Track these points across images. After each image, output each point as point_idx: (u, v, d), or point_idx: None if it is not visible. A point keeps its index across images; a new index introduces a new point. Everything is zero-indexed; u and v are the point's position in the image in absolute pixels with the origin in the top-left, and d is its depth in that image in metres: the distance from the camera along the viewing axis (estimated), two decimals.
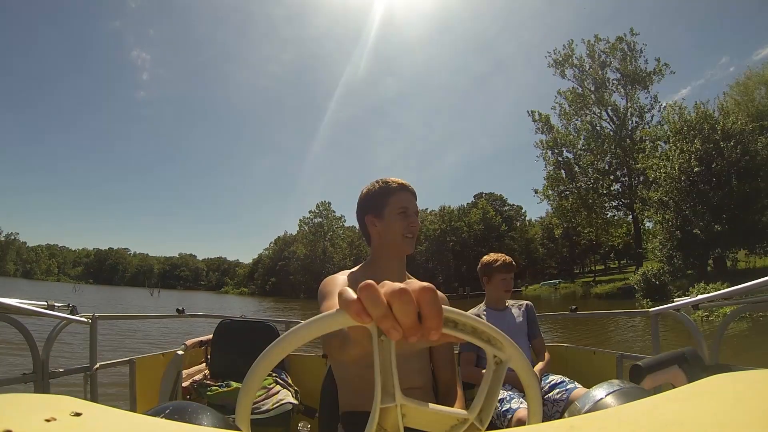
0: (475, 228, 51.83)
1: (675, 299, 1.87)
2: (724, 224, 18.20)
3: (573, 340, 10.28)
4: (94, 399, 1.90)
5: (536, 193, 34.96)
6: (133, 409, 1.95)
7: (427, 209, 58.84)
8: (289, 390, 2.09)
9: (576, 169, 32.47)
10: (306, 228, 71.17)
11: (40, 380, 1.71)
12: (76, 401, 0.41)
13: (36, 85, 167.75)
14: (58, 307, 1.80)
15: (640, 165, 24.55)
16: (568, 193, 33.12)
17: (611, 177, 31.92)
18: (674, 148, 20.32)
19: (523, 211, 58.05)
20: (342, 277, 1.20)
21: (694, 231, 18.97)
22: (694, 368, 0.95)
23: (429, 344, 0.46)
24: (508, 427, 1.55)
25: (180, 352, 2.05)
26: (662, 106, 28.87)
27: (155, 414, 0.47)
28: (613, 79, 31.56)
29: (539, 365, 1.97)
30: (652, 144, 24.85)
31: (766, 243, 19.14)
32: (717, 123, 19.05)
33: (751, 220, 18.14)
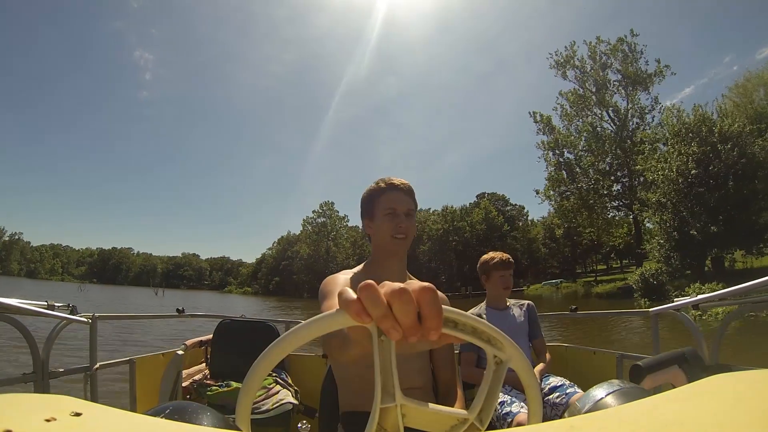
0: (478, 228, 51.98)
1: (675, 299, 1.87)
2: (720, 225, 18.39)
3: (574, 339, 10.29)
4: (94, 399, 1.90)
5: (537, 193, 35.12)
6: (133, 409, 1.95)
7: (429, 209, 59.27)
8: (289, 390, 2.09)
9: (577, 169, 32.51)
10: (309, 228, 71.54)
11: (40, 380, 1.71)
12: (76, 401, 0.41)
13: (38, 85, 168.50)
14: (58, 307, 1.80)
15: (639, 167, 24.75)
16: (569, 193, 33.18)
17: (612, 178, 31.99)
18: (672, 150, 20.51)
19: (525, 210, 58.39)
20: (343, 276, 1.19)
21: (691, 232, 19.16)
22: (694, 368, 0.95)
23: (430, 346, 0.45)
24: None
25: (180, 352, 2.05)
26: (662, 107, 29.05)
27: (155, 414, 0.47)
28: (614, 81, 31.67)
29: (540, 366, 1.96)
30: (650, 146, 24.92)
31: (763, 244, 19.31)
32: (714, 125, 19.19)
33: (748, 221, 18.29)
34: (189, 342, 2.33)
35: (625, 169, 30.83)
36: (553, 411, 1.75)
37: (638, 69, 30.68)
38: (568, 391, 1.79)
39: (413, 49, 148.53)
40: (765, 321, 9.85)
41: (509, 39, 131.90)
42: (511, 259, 2.13)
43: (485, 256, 2.17)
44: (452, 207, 56.31)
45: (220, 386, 2.10)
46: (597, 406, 0.59)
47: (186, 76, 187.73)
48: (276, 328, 2.41)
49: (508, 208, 57.80)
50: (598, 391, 0.62)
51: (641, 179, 27.44)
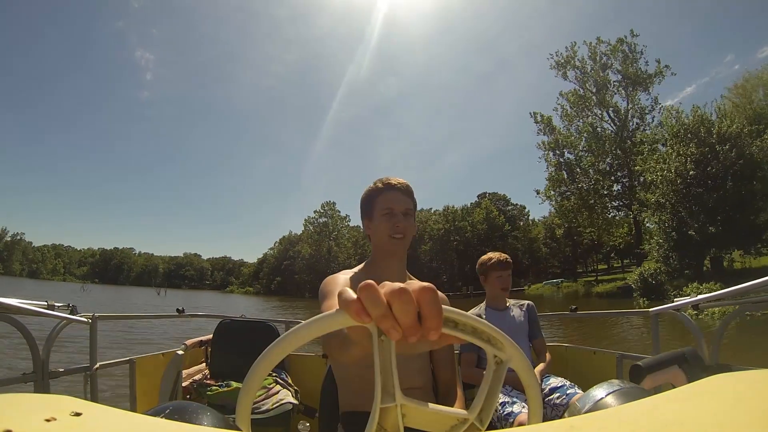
0: (479, 228, 52.15)
1: (675, 299, 1.87)
2: (718, 226, 18.53)
3: (574, 338, 10.30)
4: (94, 399, 1.90)
5: (538, 193, 35.21)
6: (133, 409, 1.95)
7: (431, 209, 59.51)
8: (289, 390, 2.09)
9: (577, 170, 32.56)
10: (311, 228, 71.80)
11: (40, 380, 1.71)
12: (76, 401, 0.41)
13: (39, 84, 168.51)
14: (58, 307, 1.80)
15: (638, 168, 24.85)
16: (569, 193, 33.25)
17: (612, 178, 32.04)
18: (671, 151, 20.65)
19: (526, 210, 58.64)
20: (343, 276, 1.19)
21: (689, 232, 19.31)
22: (694, 368, 0.95)
23: (430, 346, 0.45)
24: None
25: (180, 352, 2.05)
26: (662, 108, 29.16)
27: (155, 414, 0.47)
28: (614, 81, 31.71)
29: (540, 366, 1.96)
30: (649, 147, 25.03)
31: (761, 244, 19.46)
32: (713, 126, 19.31)
33: (746, 221, 18.42)
34: (189, 342, 2.33)
35: (625, 169, 30.87)
36: (553, 412, 1.75)
37: (638, 69, 30.73)
38: (568, 392, 1.79)
39: (414, 49, 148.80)
40: (759, 320, 9.86)
41: (510, 39, 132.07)
42: (508, 260, 2.13)
43: (483, 257, 2.18)
44: (453, 207, 56.49)
45: (220, 386, 2.10)
46: (597, 406, 0.59)
47: (187, 76, 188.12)
48: (276, 328, 2.41)
49: (509, 207, 57.98)
50: (598, 391, 0.62)
51: (641, 179, 27.54)
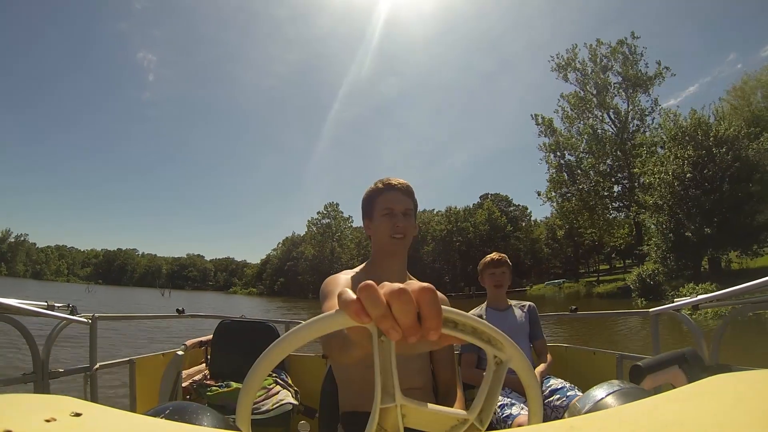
0: (481, 228, 52.39)
1: (675, 299, 1.87)
2: (714, 227, 18.81)
3: (574, 336, 10.31)
4: (94, 399, 1.90)
5: (539, 195, 35.30)
6: (133, 410, 1.95)
7: (433, 210, 59.97)
8: (289, 390, 2.09)
9: (578, 171, 32.63)
10: (314, 229, 72.24)
11: (40, 380, 1.71)
12: (76, 401, 0.41)
13: (42, 85, 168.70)
14: (58, 307, 1.79)
15: (636, 170, 25.05)
16: (570, 195, 33.31)
17: (612, 179, 32.10)
18: (669, 154, 20.95)
19: (528, 211, 58.89)
20: (344, 277, 1.20)
21: (686, 234, 19.62)
22: (694, 368, 0.95)
23: (430, 346, 0.45)
24: None
25: (180, 353, 2.05)
26: (662, 110, 29.30)
27: (155, 414, 0.47)
28: (615, 83, 31.82)
29: (540, 367, 1.97)
30: (648, 150, 25.17)
31: (757, 245, 19.66)
32: (710, 129, 19.53)
33: (742, 223, 18.65)
34: (189, 342, 2.33)
35: (625, 170, 30.93)
36: (553, 413, 1.75)
37: (638, 71, 30.84)
38: (569, 394, 1.78)
39: (415, 48, 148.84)
40: (751, 320, 9.88)
41: (512, 38, 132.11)
42: (501, 258, 2.16)
43: (482, 259, 2.22)
44: (456, 208, 56.75)
45: (220, 386, 2.10)
46: (597, 406, 0.59)
47: (189, 76, 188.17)
48: (276, 329, 2.41)
49: (511, 208, 58.27)
50: (598, 392, 0.62)
51: (640, 181, 27.65)
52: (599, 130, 32.23)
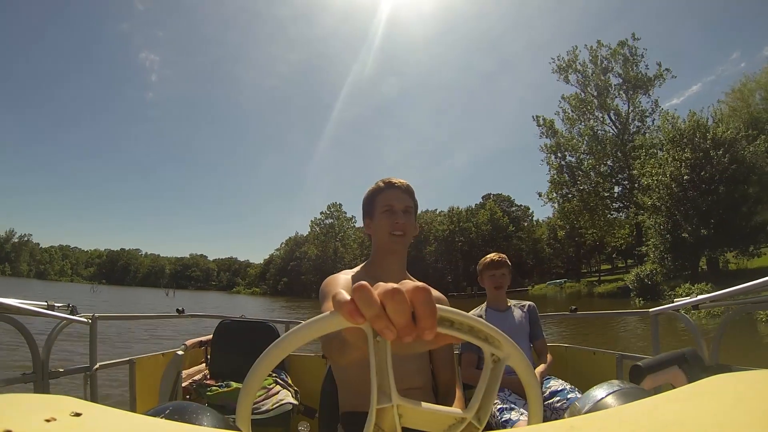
0: (483, 229, 52.62)
1: (675, 299, 1.87)
2: (711, 228, 19.08)
3: (574, 335, 10.33)
4: (94, 399, 1.90)
5: (540, 196, 35.40)
6: (132, 410, 1.95)
7: (436, 210, 60.48)
8: (289, 390, 2.09)
9: (578, 172, 32.70)
10: (317, 229, 72.66)
11: (40, 380, 1.71)
12: (76, 401, 0.40)
13: (46, 86, 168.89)
14: (58, 307, 1.79)
15: (635, 172, 25.27)
16: (571, 196, 33.40)
17: (612, 180, 32.17)
18: (667, 156, 21.21)
19: (530, 211, 59.12)
20: (344, 276, 1.20)
21: (683, 235, 19.92)
22: (694, 368, 0.95)
23: (428, 346, 0.45)
24: None
25: (180, 353, 2.05)
26: (661, 111, 29.49)
27: (155, 414, 0.47)
28: (615, 84, 31.92)
29: (540, 367, 1.96)
30: (646, 152, 25.30)
31: (753, 246, 19.95)
32: (708, 131, 19.75)
33: (739, 224, 18.91)
34: (189, 342, 2.33)
35: (625, 171, 30.99)
36: (553, 415, 1.75)
37: (639, 73, 30.90)
38: (569, 397, 1.78)
39: (417, 48, 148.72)
40: (743, 320, 9.92)
41: (513, 38, 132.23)
42: (501, 259, 2.15)
43: (481, 259, 2.21)
44: (458, 208, 57.04)
45: (220, 386, 2.10)
46: (597, 406, 0.59)
47: (191, 77, 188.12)
48: (276, 329, 2.41)
49: (513, 208, 58.53)
50: (598, 392, 0.62)
51: (639, 182, 27.76)
52: (600, 132, 32.30)
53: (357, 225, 68.48)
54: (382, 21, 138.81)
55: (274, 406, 1.94)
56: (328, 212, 72.70)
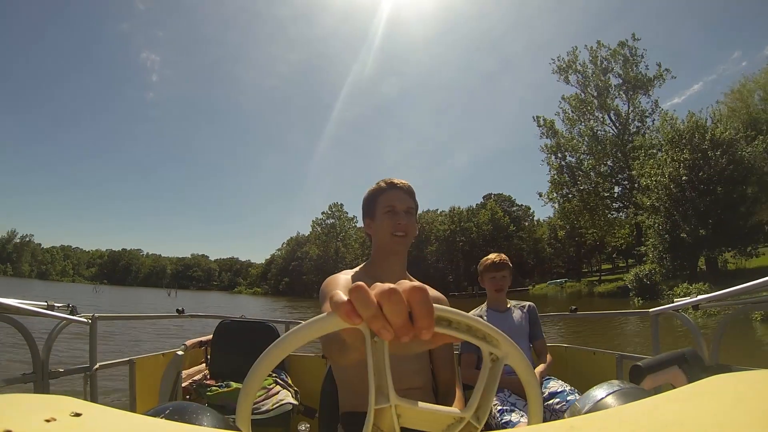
0: (484, 228, 52.77)
1: (675, 299, 1.87)
2: (709, 228, 19.24)
3: (574, 335, 10.34)
4: (93, 399, 1.90)
5: (540, 196, 35.48)
6: (132, 410, 1.95)
7: (437, 210, 60.75)
8: (289, 390, 2.09)
9: (579, 172, 32.75)
10: (319, 229, 72.94)
11: (40, 380, 1.71)
12: (76, 401, 0.41)
13: (46, 86, 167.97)
14: (58, 307, 1.79)
15: (634, 172, 25.43)
16: (571, 196, 33.46)
17: (612, 180, 32.22)
18: (666, 156, 21.39)
19: (531, 211, 59.32)
20: (343, 277, 1.20)
21: (681, 235, 20.12)
22: (694, 368, 0.95)
23: (426, 346, 0.45)
24: None
25: (180, 353, 2.05)
26: (661, 111, 29.59)
27: (155, 414, 0.47)
28: (615, 85, 31.99)
29: (540, 367, 1.96)
30: (645, 152, 25.39)
31: (751, 246, 20.11)
32: (707, 132, 19.90)
33: (737, 224, 19.07)
34: (189, 342, 2.33)
35: (625, 171, 31.03)
36: (552, 416, 1.75)
37: (639, 73, 30.96)
38: (568, 398, 1.78)
39: (417, 48, 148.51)
40: (739, 320, 9.94)
41: (514, 38, 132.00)
42: (503, 261, 2.13)
43: (482, 259, 2.19)
44: (459, 208, 57.21)
45: (219, 386, 2.10)
46: (597, 406, 0.59)
47: (192, 77, 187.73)
48: (276, 329, 2.41)
49: (514, 208, 58.74)
50: (598, 392, 0.62)
51: (639, 182, 27.82)
52: (600, 132, 32.36)
53: (358, 225, 68.73)
54: (382, 21, 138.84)
55: (274, 407, 1.94)
56: (329, 212, 73.05)
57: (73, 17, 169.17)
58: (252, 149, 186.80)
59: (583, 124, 33.06)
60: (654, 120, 30.58)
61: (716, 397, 0.40)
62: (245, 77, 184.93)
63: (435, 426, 0.45)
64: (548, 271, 53.47)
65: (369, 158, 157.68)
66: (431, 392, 1.22)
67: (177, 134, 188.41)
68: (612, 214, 33.56)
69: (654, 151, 25.38)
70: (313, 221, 74.20)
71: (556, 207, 35.61)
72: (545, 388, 1.87)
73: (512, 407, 1.71)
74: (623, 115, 31.90)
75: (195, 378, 2.25)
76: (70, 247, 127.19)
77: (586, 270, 50.47)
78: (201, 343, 2.40)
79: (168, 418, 0.47)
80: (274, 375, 2.14)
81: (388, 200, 1.21)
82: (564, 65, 33.46)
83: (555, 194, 34.31)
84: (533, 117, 35.02)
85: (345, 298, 0.40)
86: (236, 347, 2.27)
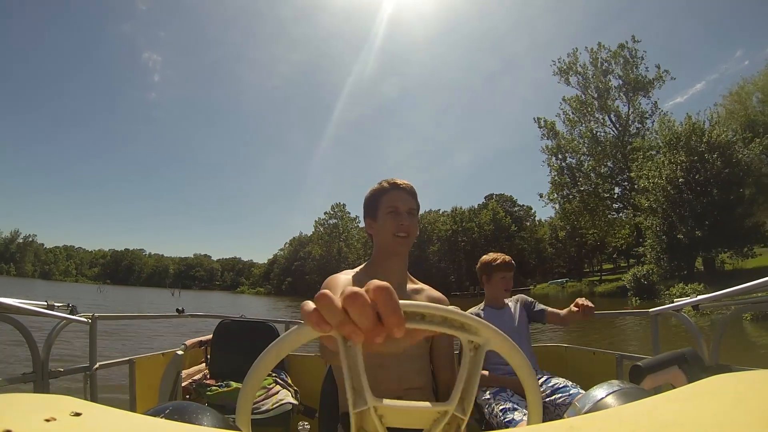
0: (486, 229, 53.00)
1: (675, 299, 1.87)
2: (705, 229, 19.50)
3: (574, 335, 10.35)
4: (93, 399, 1.90)
5: (541, 197, 35.58)
6: (132, 409, 1.95)
7: (439, 210, 60.95)
8: (289, 390, 2.09)
9: (579, 173, 32.81)
10: (321, 229, 73.33)
11: (40, 380, 1.70)
12: (76, 401, 0.41)
13: (48, 87, 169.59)
14: (58, 307, 1.79)
15: (632, 174, 25.58)
16: (571, 196, 33.54)
17: (612, 181, 32.29)
18: (663, 159, 21.64)
19: (532, 211, 59.54)
20: (343, 277, 1.20)
21: (678, 236, 20.42)
22: (694, 368, 0.95)
23: (408, 343, 0.45)
24: None
25: (180, 352, 2.05)
26: (661, 112, 29.70)
27: (155, 414, 0.47)
28: (616, 86, 32.14)
29: (564, 311, 2.05)
30: (644, 154, 25.49)
31: (747, 247, 20.29)
32: (704, 135, 20.12)
33: (733, 225, 19.29)
34: (189, 342, 2.33)
35: (625, 173, 31.09)
36: (556, 411, 1.74)
37: (638, 75, 31.08)
38: (571, 392, 1.77)
39: (419, 48, 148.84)
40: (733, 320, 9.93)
41: (515, 38, 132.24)
42: (512, 261, 2.15)
43: (486, 258, 2.18)
44: (461, 208, 57.43)
45: (219, 386, 2.10)
46: (597, 406, 0.59)
47: (193, 77, 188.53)
48: (275, 329, 2.41)
49: (516, 208, 59.05)
50: (598, 392, 0.62)
51: (637, 184, 27.91)
52: (600, 133, 32.48)
53: (361, 225, 68.70)
54: (383, 21, 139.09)
55: (274, 406, 1.94)
56: (332, 212, 73.39)
57: (75, 18, 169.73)
58: (253, 149, 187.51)
59: (583, 125, 33.18)
60: (654, 121, 30.71)
61: (716, 397, 0.40)
62: (247, 77, 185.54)
63: (421, 422, 0.45)
64: (550, 271, 53.57)
65: (370, 158, 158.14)
66: (431, 392, 1.22)
67: (179, 134, 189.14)
68: (612, 215, 33.63)
69: (652, 153, 25.50)
70: (315, 221, 74.73)
71: (557, 208, 35.73)
72: (547, 386, 1.87)
73: (515, 405, 1.71)
74: (623, 116, 31.99)
75: (195, 378, 2.25)
76: (73, 247, 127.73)
77: (588, 270, 50.53)
78: (201, 343, 2.40)
79: (168, 417, 0.47)
80: (274, 375, 2.14)
81: (391, 201, 1.21)
82: (564, 67, 33.61)
83: (555, 195, 34.45)
84: (534, 118, 35.18)
85: (312, 307, 0.40)
86: (236, 347, 2.27)
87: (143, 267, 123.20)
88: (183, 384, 2.07)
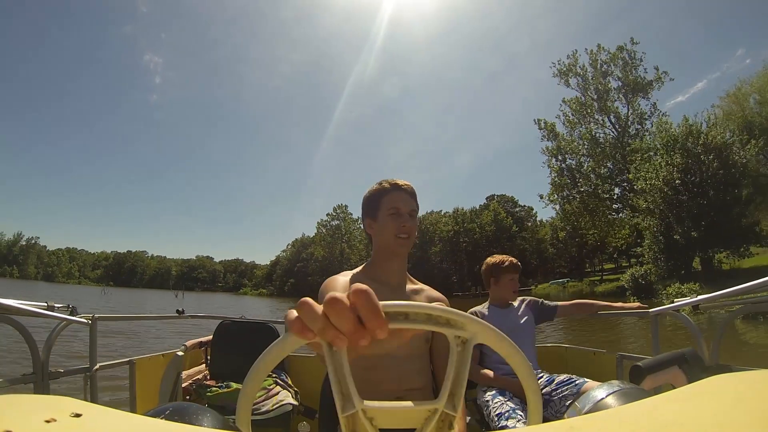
0: (487, 229, 53.10)
1: (675, 300, 1.87)
2: (701, 230, 19.76)
3: (574, 334, 10.35)
4: (93, 400, 1.90)
5: (541, 198, 35.68)
6: (133, 410, 1.95)
7: (441, 211, 61.00)
8: (289, 391, 2.09)
9: (578, 174, 32.88)
10: (323, 230, 73.76)
11: (40, 381, 1.70)
12: (76, 402, 0.41)
13: (50, 89, 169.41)
14: (58, 307, 1.79)
15: (630, 176, 25.78)
16: (572, 197, 33.62)
17: (612, 182, 32.35)
18: (660, 160, 21.84)
19: (533, 212, 59.64)
20: (342, 278, 1.20)
21: (675, 236, 20.74)
22: (694, 369, 0.95)
23: (398, 342, 0.45)
24: None
25: (180, 353, 2.05)
26: (659, 113, 29.79)
27: (155, 415, 0.47)
28: (615, 88, 32.20)
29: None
30: (642, 156, 25.55)
31: (743, 247, 20.49)
32: (700, 136, 20.30)
33: (729, 225, 19.48)
34: (189, 343, 2.33)
35: (624, 174, 31.15)
36: (562, 402, 1.72)
37: (638, 76, 31.18)
38: (577, 383, 1.74)
39: (419, 48, 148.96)
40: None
41: (516, 38, 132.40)
42: (519, 263, 2.17)
43: (493, 259, 2.17)
44: (462, 209, 57.60)
45: (220, 387, 2.10)
46: (597, 406, 0.59)
47: (195, 78, 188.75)
48: (275, 329, 2.41)
49: (517, 209, 59.13)
50: (598, 392, 0.61)
51: (635, 185, 28.00)
52: (600, 135, 32.59)
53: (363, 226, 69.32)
54: (384, 21, 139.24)
55: (274, 407, 1.94)
56: (334, 214, 73.79)
57: (76, 20, 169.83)
58: (254, 150, 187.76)
59: (583, 126, 33.25)
60: (653, 122, 30.75)
61: (716, 397, 0.40)
62: (247, 78, 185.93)
63: (412, 422, 0.45)
64: (551, 271, 53.64)
65: (371, 159, 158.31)
66: (431, 393, 1.22)
67: (180, 135, 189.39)
68: (612, 215, 33.69)
69: (650, 154, 25.59)
70: (318, 223, 75.13)
71: (557, 209, 35.81)
72: (551, 382, 1.86)
73: (514, 411, 1.70)
74: (623, 117, 32.07)
75: (195, 378, 2.25)
76: (76, 249, 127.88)
77: (589, 270, 50.59)
78: (201, 344, 2.40)
79: (168, 418, 0.47)
80: (274, 375, 2.14)
81: (392, 202, 1.21)
82: (564, 69, 33.68)
83: (556, 196, 34.54)
84: (534, 120, 35.25)
85: (295, 315, 0.41)
86: (236, 348, 2.27)
87: (146, 269, 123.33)
88: (183, 385, 2.07)
